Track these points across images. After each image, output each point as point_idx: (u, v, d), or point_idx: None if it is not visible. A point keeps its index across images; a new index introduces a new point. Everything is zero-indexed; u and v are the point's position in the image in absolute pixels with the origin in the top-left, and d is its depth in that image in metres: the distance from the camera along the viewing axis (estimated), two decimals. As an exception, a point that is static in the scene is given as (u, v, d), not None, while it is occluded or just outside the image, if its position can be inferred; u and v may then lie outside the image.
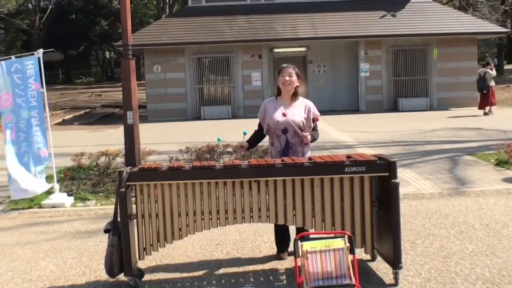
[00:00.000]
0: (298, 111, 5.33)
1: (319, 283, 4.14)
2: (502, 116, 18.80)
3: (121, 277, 4.80)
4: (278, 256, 5.41)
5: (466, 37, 22.31)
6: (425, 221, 6.57)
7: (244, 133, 5.41)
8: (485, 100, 19.04)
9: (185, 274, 5.11)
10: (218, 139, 6.10)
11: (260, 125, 5.50)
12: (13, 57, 8.16)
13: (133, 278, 4.74)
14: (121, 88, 8.45)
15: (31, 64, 8.02)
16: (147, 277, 5.03)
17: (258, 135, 5.54)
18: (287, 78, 5.30)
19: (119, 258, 4.71)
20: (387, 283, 4.71)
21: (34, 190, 8.05)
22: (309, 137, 5.26)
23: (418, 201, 7.59)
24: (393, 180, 4.63)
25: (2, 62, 8.02)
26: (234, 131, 16.35)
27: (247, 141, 5.48)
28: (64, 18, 50.53)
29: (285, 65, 5.41)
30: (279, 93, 5.45)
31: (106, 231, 4.85)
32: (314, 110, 5.41)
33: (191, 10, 23.57)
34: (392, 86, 22.54)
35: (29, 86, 7.99)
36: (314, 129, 5.43)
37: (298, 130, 5.28)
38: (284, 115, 5.28)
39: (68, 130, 19.92)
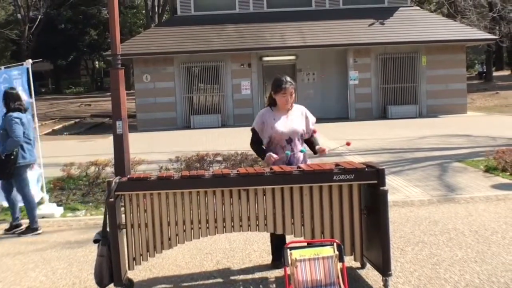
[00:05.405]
0: (296, 118, 5.37)
1: (309, 291, 4.14)
2: (491, 122, 18.91)
3: (111, 287, 4.78)
4: (274, 264, 5.38)
5: (455, 45, 22.48)
6: (415, 228, 6.59)
7: (287, 154, 5.24)
8: None
9: (175, 284, 5.10)
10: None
11: (256, 135, 5.43)
12: (2, 67, 8.15)
13: (123, 289, 4.73)
14: (110, 98, 8.44)
15: (17, 75, 8.01)
16: (137, 287, 5.01)
17: (261, 143, 5.45)
18: (289, 98, 5.30)
19: (109, 268, 4.69)
20: (377, 290, 4.73)
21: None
22: (326, 149, 5.34)
23: (408, 208, 7.62)
24: (381, 188, 4.65)
25: None
26: (224, 140, 16.38)
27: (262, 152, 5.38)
28: (53, 28, 50.32)
29: (285, 84, 5.25)
30: (272, 103, 5.43)
31: (95, 241, 4.84)
32: (309, 115, 5.48)
33: (180, 19, 23.60)
34: (381, 94, 22.63)
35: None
36: (312, 135, 5.50)
37: (301, 140, 5.38)
38: (285, 125, 5.30)
39: (58, 140, 19.85)
